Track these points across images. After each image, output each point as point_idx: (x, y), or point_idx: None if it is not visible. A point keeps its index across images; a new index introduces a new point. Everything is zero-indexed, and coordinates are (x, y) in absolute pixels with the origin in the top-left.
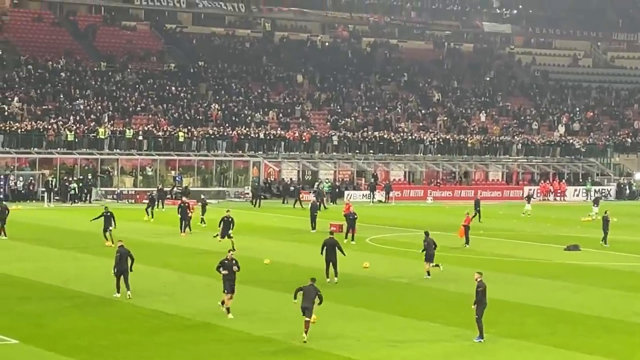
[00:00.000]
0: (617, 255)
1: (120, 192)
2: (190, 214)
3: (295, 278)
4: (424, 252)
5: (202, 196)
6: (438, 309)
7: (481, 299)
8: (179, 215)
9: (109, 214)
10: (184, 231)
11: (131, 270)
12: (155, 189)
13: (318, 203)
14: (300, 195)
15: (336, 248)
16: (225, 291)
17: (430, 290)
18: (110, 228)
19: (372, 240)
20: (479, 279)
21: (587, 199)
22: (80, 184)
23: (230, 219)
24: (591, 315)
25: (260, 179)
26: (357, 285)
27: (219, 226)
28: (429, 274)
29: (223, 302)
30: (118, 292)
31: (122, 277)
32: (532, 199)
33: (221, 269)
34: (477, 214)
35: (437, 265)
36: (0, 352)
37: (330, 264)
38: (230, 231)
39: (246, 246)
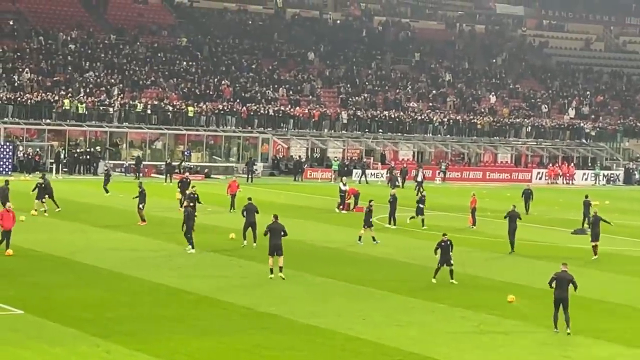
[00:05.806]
0: (624, 240)
1: (128, 165)
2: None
3: (303, 255)
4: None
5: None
6: (445, 290)
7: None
8: (179, 189)
9: (143, 190)
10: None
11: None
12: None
13: (391, 187)
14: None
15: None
16: None
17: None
18: (141, 205)
19: (380, 220)
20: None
21: (595, 183)
22: (88, 156)
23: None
24: (596, 299)
25: (269, 155)
26: (365, 264)
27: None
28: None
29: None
30: (245, 239)
31: (249, 228)
32: None
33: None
34: (526, 204)
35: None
36: (5, 322)
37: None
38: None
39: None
